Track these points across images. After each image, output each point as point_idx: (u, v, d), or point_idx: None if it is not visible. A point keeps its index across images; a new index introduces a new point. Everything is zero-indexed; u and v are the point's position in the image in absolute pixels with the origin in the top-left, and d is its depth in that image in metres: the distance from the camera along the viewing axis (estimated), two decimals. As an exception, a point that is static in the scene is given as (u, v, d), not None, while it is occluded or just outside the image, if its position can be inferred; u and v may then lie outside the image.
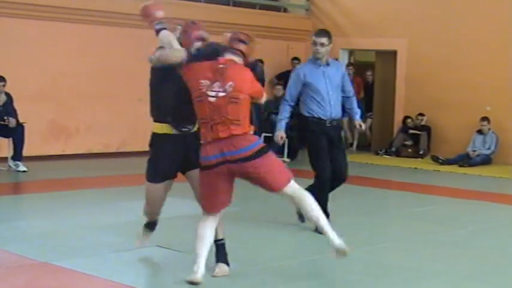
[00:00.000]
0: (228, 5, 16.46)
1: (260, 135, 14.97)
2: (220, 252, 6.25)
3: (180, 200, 9.93)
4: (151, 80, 6.22)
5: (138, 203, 9.60)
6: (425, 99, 15.63)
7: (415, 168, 13.69)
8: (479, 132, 14.81)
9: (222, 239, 6.27)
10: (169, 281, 6.22)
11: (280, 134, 8.22)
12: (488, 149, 14.72)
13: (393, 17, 16.24)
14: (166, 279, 6.31)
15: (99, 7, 13.99)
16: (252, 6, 17.00)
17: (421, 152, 15.37)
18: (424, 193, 8.92)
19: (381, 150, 16.16)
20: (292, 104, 8.27)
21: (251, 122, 17.16)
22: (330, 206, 7.93)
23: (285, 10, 18.04)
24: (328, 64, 8.08)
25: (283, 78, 16.54)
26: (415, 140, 15.65)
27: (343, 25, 17.27)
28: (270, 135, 14.47)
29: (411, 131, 15.79)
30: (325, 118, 7.98)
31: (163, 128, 6.15)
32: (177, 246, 7.29)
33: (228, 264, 6.23)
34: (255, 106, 16.05)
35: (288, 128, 14.48)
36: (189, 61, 5.84)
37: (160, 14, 6.07)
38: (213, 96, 5.79)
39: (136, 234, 6.86)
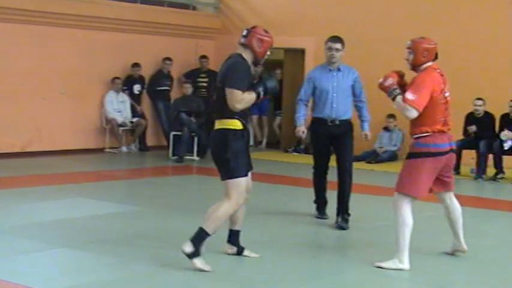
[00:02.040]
0: (136, 2, 16.30)
1: (169, 134, 14.90)
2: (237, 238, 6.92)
3: (87, 200, 9.84)
4: (221, 83, 6.47)
5: (43, 204, 9.48)
6: (333, 97, 15.77)
7: (324, 165, 13.86)
8: (386, 129, 15.08)
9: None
10: (74, 282, 6.13)
11: (298, 128, 8.75)
12: (395, 145, 14.99)
13: (301, 16, 16.39)
14: (71, 280, 6.20)
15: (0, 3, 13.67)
16: (160, 3, 16.88)
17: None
18: (333, 190, 9.01)
19: (290, 148, 16.28)
20: (306, 103, 8.82)
21: (161, 121, 17.03)
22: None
23: (194, 8, 17.97)
24: (339, 69, 8.63)
25: (191, 76, 16.49)
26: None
27: (252, 23, 17.11)
28: (180, 133, 14.43)
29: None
30: (325, 118, 8.59)
31: (238, 124, 6.45)
32: (85, 247, 7.19)
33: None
34: (165, 105, 16.00)
35: (198, 126, 14.63)
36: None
37: (389, 82, 6.83)
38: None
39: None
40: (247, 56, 6.52)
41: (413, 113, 6.59)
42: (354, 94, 8.71)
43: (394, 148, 14.97)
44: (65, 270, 6.50)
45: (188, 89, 15.10)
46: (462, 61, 13.62)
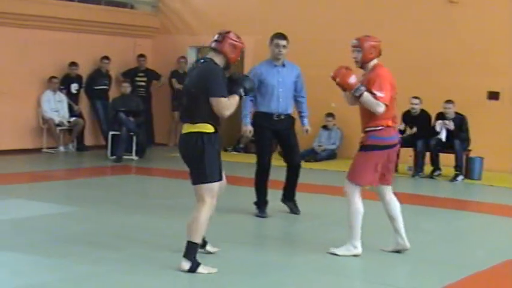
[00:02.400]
0: (73, 0, 16.12)
1: (107, 133, 14.77)
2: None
3: (24, 201, 9.71)
4: (194, 89, 6.46)
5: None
6: (272, 96, 15.84)
7: (263, 164, 13.87)
8: (325, 127, 15.19)
9: None
10: (13, 284, 6.05)
11: (246, 127, 8.96)
12: (333, 144, 15.12)
13: (240, 15, 16.41)
14: (10, 282, 6.12)
15: None
16: (98, 2, 16.72)
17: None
18: (272, 188, 9.08)
19: (229, 147, 16.28)
20: (252, 98, 8.93)
21: (99, 120, 16.78)
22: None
23: (132, 7, 17.85)
24: (284, 65, 8.99)
25: (129, 75, 16.38)
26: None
27: (191, 23, 17.29)
28: (118, 133, 14.31)
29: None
30: (272, 113, 8.89)
31: (210, 127, 6.43)
32: (23, 249, 7.10)
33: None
34: (103, 104, 15.86)
35: (137, 126, 14.52)
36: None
37: (353, 80, 7.07)
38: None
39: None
40: (219, 60, 6.57)
41: (383, 109, 6.95)
42: (295, 90, 9.04)
43: (333, 147, 15.09)
44: (3, 273, 6.39)
45: (126, 88, 14.98)
46: (398, 60, 13.76)
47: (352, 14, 15.31)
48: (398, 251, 7.34)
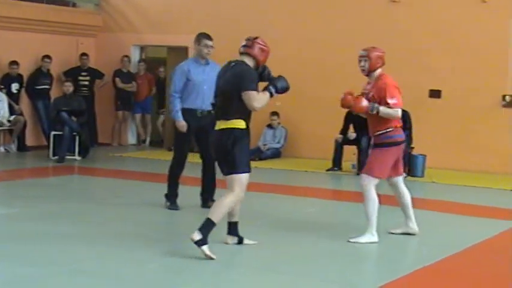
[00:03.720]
0: (14, -1, 15.90)
1: (49, 133, 14.58)
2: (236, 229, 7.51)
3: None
4: (229, 88, 7.03)
5: None
6: (216, 94, 15.82)
7: (208, 163, 13.80)
8: (269, 126, 15.21)
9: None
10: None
11: (182, 123, 9.20)
12: (278, 142, 15.14)
13: (184, 13, 16.36)
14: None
15: None
16: (40, 0, 16.49)
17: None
18: (216, 187, 9.06)
19: (174, 147, 16.18)
20: (181, 95, 9.25)
21: (40, 120, 16.55)
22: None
23: (74, 5, 17.64)
24: (208, 64, 9.32)
25: (72, 74, 16.19)
26: (208, 135, 15.78)
27: (134, 21, 17.18)
28: (60, 133, 14.13)
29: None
30: (196, 109, 9.25)
31: (242, 123, 7.00)
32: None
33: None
34: (44, 104, 15.65)
35: (79, 126, 14.36)
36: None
37: (365, 103, 7.81)
38: None
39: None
40: (250, 63, 7.14)
41: (400, 112, 7.82)
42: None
43: (277, 145, 15.12)
44: None
45: (69, 87, 14.80)
46: (341, 58, 13.83)
47: (293, 11, 15.34)
48: (407, 234, 8.17)
